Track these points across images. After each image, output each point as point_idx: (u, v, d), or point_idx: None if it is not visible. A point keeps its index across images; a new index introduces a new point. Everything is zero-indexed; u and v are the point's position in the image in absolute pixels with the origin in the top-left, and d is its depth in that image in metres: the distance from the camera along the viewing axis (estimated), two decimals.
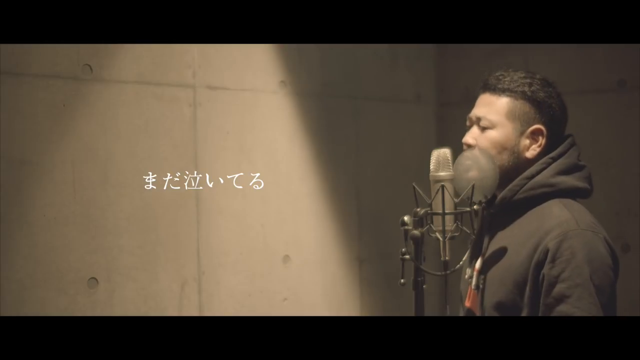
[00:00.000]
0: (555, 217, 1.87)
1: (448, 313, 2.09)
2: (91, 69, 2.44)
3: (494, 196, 1.98)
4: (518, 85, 1.97)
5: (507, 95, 1.97)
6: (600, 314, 1.78)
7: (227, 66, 2.79)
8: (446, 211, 1.78)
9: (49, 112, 2.35)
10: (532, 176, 1.94)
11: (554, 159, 1.96)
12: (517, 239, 1.91)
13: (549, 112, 1.97)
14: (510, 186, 1.95)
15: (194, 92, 2.69)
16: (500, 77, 1.99)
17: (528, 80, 1.98)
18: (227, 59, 2.78)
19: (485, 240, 2.01)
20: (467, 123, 2.04)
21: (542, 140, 1.97)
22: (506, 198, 1.95)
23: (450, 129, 3.53)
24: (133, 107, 2.54)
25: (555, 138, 1.99)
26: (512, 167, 1.97)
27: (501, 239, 1.96)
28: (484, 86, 2.02)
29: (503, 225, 1.97)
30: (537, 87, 1.97)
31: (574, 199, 1.95)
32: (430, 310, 1.87)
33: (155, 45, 2.57)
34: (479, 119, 1.99)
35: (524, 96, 1.96)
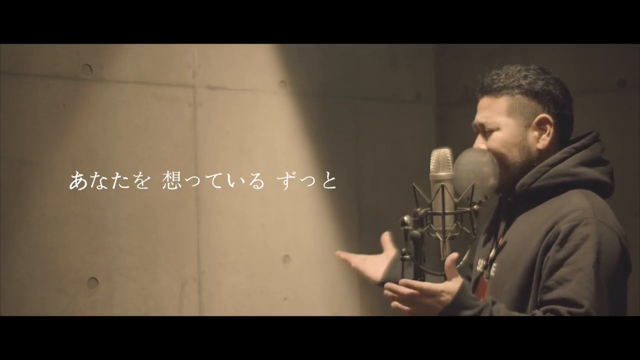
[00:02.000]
0: (574, 204, 1.84)
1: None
2: (91, 69, 2.44)
3: (513, 185, 1.97)
4: (513, 81, 1.96)
5: (505, 94, 1.96)
6: (593, 300, 1.75)
7: (227, 66, 2.79)
8: (446, 211, 1.78)
9: (49, 112, 2.35)
10: (554, 164, 1.92)
11: (577, 149, 1.93)
12: (533, 226, 1.89)
13: (550, 99, 1.95)
14: (530, 172, 1.93)
15: (194, 92, 2.69)
16: (495, 77, 1.98)
17: (523, 73, 1.97)
18: (227, 59, 2.79)
19: (501, 229, 2.00)
20: (474, 130, 2.03)
21: (550, 129, 1.95)
22: (525, 184, 1.93)
23: (450, 129, 3.54)
24: (133, 107, 2.54)
25: (564, 123, 1.97)
26: (526, 162, 1.94)
27: (516, 227, 1.95)
28: (481, 90, 2.01)
29: (520, 213, 1.96)
30: (533, 78, 1.96)
31: (596, 193, 1.92)
32: None
33: (155, 45, 2.57)
34: (482, 125, 1.98)
35: (521, 90, 1.95)
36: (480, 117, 2.00)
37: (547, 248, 1.82)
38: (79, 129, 2.41)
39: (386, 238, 2.20)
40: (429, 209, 1.80)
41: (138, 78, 2.55)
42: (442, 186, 1.78)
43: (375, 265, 2.17)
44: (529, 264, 1.85)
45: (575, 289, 1.76)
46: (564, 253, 1.79)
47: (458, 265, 1.80)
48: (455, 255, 1.79)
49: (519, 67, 1.99)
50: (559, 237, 1.80)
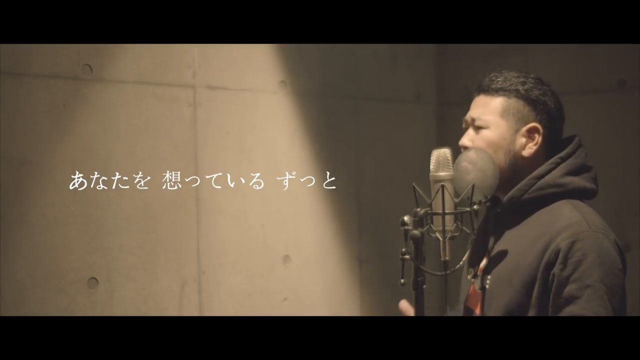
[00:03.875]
0: (566, 218, 1.86)
1: (448, 313, 2.09)
2: (91, 69, 2.44)
3: (497, 196, 1.98)
4: (511, 84, 1.98)
5: (501, 95, 1.98)
6: (609, 315, 1.77)
7: (227, 66, 2.79)
8: (446, 211, 1.78)
9: (49, 112, 2.36)
10: (541, 176, 1.93)
11: (563, 159, 1.95)
12: (526, 239, 1.90)
13: (544, 109, 1.97)
14: (519, 185, 1.94)
15: (194, 92, 2.69)
16: (494, 78, 2.00)
17: (521, 79, 1.99)
18: (227, 59, 2.79)
19: (491, 240, 2.00)
20: (463, 125, 2.04)
21: (538, 139, 1.97)
22: (514, 197, 1.94)
23: (450, 129, 3.53)
24: (133, 107, 2.54)
25: (552, 136, 1.99)
26: (509, 167, 1.96)
27: (508, 239, 1.96)
28: (479, 88, 2.03)
29: (510, 225, 1.96)
30: (531, 86, 1.98)
31: (582, 200, 1.94)
32: (430, 310, 1.87)
33: (155, 45, 2.57)
34: (473, 120, 2.00)
35: (517, 94, 1.97)
36: (472, 112, 2.02)
37: (549, 266, 1.83)
38: (79, 129, 2.41)
39: (404, 305, 2.13)
40: (429, 209, 1.80)
41: (138, 78, 2.55)
42: (442, 186, 1.78)
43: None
44: (526, 279, 1.86)
45: (587, 307, 1.77)
46: (568, 271, 1.80)
47: (457, 266, 1.80)
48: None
49: (517, 74, 2.01)
50: (560, 255, 1.81)
